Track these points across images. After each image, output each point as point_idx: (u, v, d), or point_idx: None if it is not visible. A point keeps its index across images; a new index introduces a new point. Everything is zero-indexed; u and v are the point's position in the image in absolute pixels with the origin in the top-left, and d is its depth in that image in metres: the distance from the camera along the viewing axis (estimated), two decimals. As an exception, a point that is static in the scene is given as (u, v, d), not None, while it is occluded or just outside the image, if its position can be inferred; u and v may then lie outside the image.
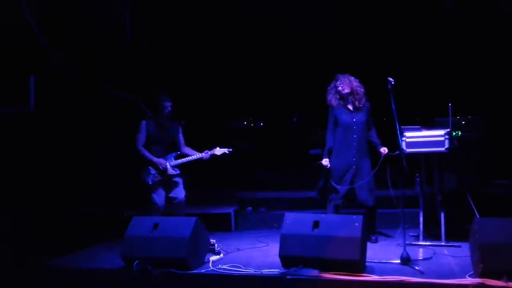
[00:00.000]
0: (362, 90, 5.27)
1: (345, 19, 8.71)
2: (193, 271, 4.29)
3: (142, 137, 5.29)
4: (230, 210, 6.35)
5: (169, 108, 5.30)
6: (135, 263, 4.26)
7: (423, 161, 5.24)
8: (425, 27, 8.16)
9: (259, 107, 8.72)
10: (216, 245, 4.96)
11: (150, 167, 5.25)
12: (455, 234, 5.07)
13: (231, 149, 5.41)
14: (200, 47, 8.23)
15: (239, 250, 5.15)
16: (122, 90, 7.44)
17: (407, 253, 4.31)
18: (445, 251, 4.78)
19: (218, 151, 5.34)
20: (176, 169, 5.35)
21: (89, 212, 6.47)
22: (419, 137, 5.04)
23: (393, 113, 4.54)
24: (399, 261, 4.31)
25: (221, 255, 4.80)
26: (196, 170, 5.97)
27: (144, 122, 5.34)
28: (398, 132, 4.56)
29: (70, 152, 6.59)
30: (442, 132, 4.98)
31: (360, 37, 8.56)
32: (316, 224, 4.21)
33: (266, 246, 5.31)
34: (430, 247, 4.93)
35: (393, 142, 4.73)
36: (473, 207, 5.20)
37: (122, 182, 6.93)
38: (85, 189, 6.77)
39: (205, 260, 4.57)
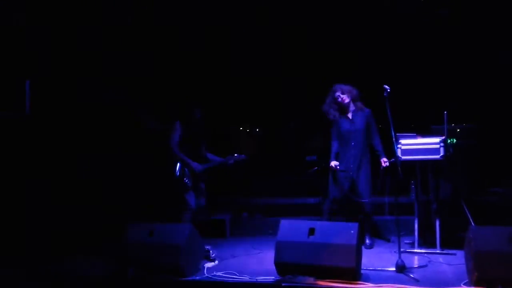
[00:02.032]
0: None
1: (341, 26, 8.77)
2: (188, 278, 4.27)
3: (176, 136, 5.23)
4: (225, 216, 6.33)
5: (199, 115, 5.35)
6: (130, 270, 4.24)
7: (418, 168, 5.25)
8: (421, 34, 8.22)
9: (255, 113, 8.73)
10: (211, 251, 4.94)
11: (186, 168, 5.24)
12: (450, 242, 5.08)
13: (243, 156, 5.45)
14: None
15: (234, 257, 5.13)
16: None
17: (402, 260, 4.31)
18: (440, 259, 4.78)
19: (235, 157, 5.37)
20: (205, 174, 5.38)
21: (85, 218, 6.43)
22: (415, 145, 5.06)
23: (388, 120, 4.56)
24: (394, 269, 4.31)
25: (216, 262, 4.79)
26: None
27: (178, 122, 5.29)
28: (394, 139, 4.57)
29: (65, 156, 6.56)
30: (437, 139, 5.00)
31: (357, 44, 8.60)
32: (311, 231, 4.20)
33: (261, 253, 5.30)
34: (425, 254, 4.93)
35: (389, 149, 4.76)
36: (468, 215, 5.21)
37: (118, 190, 6.91)
38: (81, 196, 6.74)
39: (200, 267, 4.56)
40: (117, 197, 6.82)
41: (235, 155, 5.33)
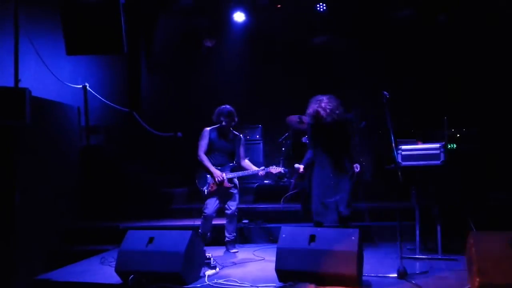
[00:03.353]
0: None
1: (341, 30, 8.81)
2: (189, 286, 4.25)
3: (204, 144, 5.51)
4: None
5: (233, 121, 5.50)
6: (130, 278, 4.22)
7: (419, 173, 5.24)
8: (421, 40, 8.25)
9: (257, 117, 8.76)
10: (211, 259, 4.92)
11: (207, 175, 5.44)
12: (452, 248, 5.07)
13: (286, 170, 5.65)
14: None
15: (235, 264, 5.11)
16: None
17: (403, 266, 4.29)
18: (442, 264, 4.76)
19: (274, 169, 5.43)
20: (232, 181, 5.52)
21: (83, 225, 6.43)
22: (415, 150, 5.06)
23: (388, 126, 4.56)
24: (395, 275, 4.30)
25: (217, 269, 4.76)
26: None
27: (207, 130, 5.54)
28: (394, 145, 4.57)
29: (65, 164, 6.57)
30: (437, 145, 5.01)
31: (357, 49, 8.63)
32: (312, 237, 4.19)
33: (262, 260, 5.28)
34: (427, 260, 4.92)
35: (389, 155, 4.75)
36: (469, 220, 5.20)
37: (117, 194, 6.91)
38: (81, 202, 6.75)
39: (200, 275, 4.54)
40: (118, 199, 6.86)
41: (273, 166, 5.43)
